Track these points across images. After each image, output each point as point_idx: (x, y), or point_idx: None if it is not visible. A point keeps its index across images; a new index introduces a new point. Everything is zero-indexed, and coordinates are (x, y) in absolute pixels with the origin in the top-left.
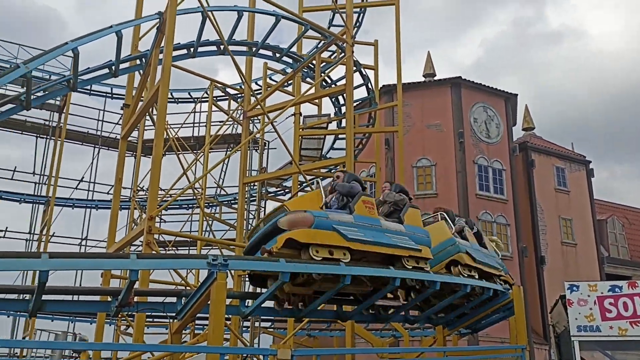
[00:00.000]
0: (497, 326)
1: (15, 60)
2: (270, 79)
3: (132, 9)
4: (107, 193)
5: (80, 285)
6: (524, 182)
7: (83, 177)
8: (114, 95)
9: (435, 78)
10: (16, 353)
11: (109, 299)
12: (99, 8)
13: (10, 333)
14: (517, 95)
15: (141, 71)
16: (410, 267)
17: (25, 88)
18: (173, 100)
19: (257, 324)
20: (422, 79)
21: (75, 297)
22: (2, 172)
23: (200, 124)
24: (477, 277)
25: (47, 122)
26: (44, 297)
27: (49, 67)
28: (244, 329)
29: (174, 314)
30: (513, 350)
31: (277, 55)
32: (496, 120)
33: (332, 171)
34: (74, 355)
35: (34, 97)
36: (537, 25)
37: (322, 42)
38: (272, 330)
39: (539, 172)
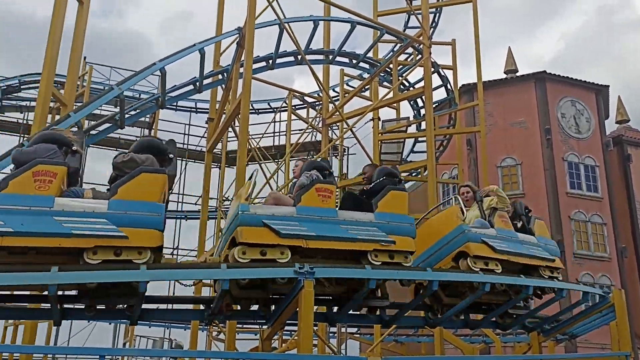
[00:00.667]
0: (597, 331)
1: (108, 81)
2: (347, 85)
3: (208, 26)
4: (195, 204)
5: (173, 293)
6: (620, 178)
7: (172, 190)
8: (198, 110)
9: (517, 74)
10: (117, 358)
11: (201, 307)
12: (180, 28)
13: (112, 339)
14: (608, 86)
15: (223, 85)
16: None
17: (118, 108)
18: (253, 111)
19: (343, 329)
20: (503, 76)
21: (170, 306)
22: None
23: (281, 133)
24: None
25: (138, 139)
26: (143, 305)
27: (138, 86)
28: (330, 334)
29: (263, 321)
30: (616, 357)
31: (354, 61)
32: (586, 114)
33: (414, 175)
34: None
35: (127, 116)
36: (622, 13)
37: (399, 45)
38: (358, 336)
39: (636, 167)
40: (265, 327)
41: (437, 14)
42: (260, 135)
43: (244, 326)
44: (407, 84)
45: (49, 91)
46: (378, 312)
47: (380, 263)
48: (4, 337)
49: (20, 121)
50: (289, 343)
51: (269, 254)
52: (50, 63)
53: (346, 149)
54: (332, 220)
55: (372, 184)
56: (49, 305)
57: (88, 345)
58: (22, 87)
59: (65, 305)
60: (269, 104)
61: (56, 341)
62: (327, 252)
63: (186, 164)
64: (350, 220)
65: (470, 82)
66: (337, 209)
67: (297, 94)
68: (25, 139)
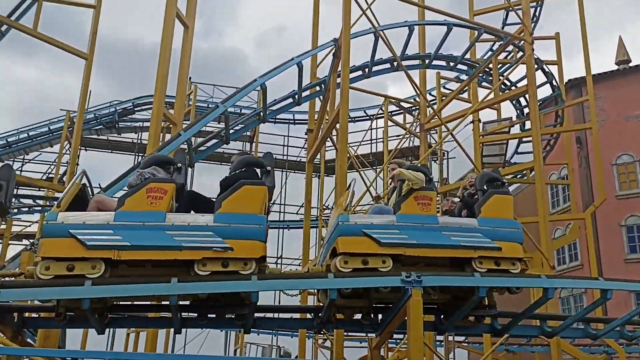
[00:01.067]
0: None
1: (211, 99)
2: (444, 87)
3: (300, 38)
4: (296, 213)
5: (279, 302)
6: None
7: (275, 201)
8: (296, 122)
9: (631, 64)
10: None
11: (308, 315)
12: (274, 42)
13: (224, 345)
14: None
15: (321, 97)
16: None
17: (222, 124)
18: (350, 119)
19: (450, 338)
20: (614, 68)
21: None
22: None
23: (378, 140)
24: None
25: (240, 151)
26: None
27: (239, 101)
28: (436, 342)
29: (371, 330)
30: None
31: (451, 64)
32: None
33: (519, 177)
34: None
35: (232, 131)
36: None
37: (498, 43)
38: (466, 344)
39: None
40: (373, 335)
41: (538, 8)
42: (358, 143)
43: (349, 334)
44: (508, 83)
45: (161, 112)
46: (489, 321)
47: (209, 272)
48: (126, 344)
49: (135, 141)
50: (395, 351)
51: (77, 269)
52: (161, 85)
53: (445, 153)
54: (158, 226)
55: (224, 178)
56: (169, 314)
57: (203, 353)
58: (135, 109)
59: (184, 314)
60: (365, 112)
61: (173, 348)
62: (152, 262)
63: (287, 175)
64: (180, 224)
65: (578, 77)
66: (167, 212)
67: (393, 100)
68: (140, 157)
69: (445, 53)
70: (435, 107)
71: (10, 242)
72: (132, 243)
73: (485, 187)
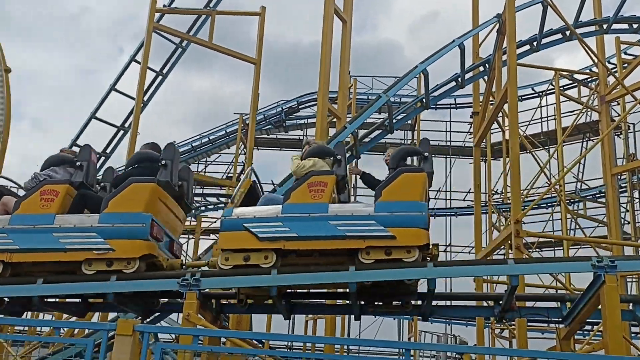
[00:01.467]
0: None
1: (370, 90)
2: (625, 53)
3: (453, 22)
4: (463, 200)
5: (450, 290)
6: None
7: (440, 188)
8: (457, 106)
9: None
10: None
11: (484, 303)
12: (427, 29)
13: (397, 334)
14: None
15: (485, 77)
16: None
17: (384, 114)
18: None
19: None
20: None
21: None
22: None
23: (549, 118)
24: None
25: (402, 141)
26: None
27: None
28: (632, 335)
29: (559, 320)
30: None
31: (634, 26)
32: None
33: None
34: (456, 356)
35: (395, 120)
36: None
37: None
38: None
39: None
40: (561, 326)
41: None
42: (527, 123)
43: (531, 325)
44: None
45: (326, 107)
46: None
47: (94, 272)
48: (305, 329)
49: (301, 137)
50: (584, 343)
51: None
52: (324, 81)
53: (631, 126)
54: (47, 229)
55: (115, 176)
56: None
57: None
58: (300, 107)
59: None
60: (532, 89)
61: (349, 335)
62: (47, 265)
63: (451, 162)
64: (67, 226)
65: None
66: (56, 214)
67: (565, 73)
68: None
69: (627, 15)
70: (618, 75)
71: (200, 237)
72: (21, 246)
73: (404, 164)
